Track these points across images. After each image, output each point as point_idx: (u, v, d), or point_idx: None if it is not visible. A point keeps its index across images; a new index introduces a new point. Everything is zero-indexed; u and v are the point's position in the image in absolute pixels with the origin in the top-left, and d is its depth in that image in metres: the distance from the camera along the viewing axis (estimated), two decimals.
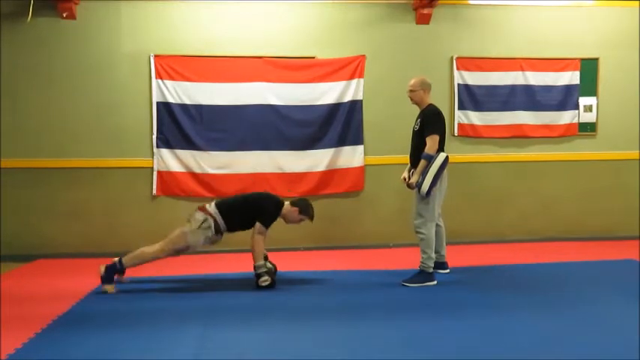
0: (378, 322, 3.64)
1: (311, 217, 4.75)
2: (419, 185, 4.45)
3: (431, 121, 4.53)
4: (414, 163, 4.62)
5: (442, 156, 4.47)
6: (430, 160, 4.44)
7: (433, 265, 4.55)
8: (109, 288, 4.35)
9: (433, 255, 4.54)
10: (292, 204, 4.72)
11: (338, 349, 3.19)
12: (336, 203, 6.13)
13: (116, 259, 4.44)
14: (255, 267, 4.48)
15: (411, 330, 3.46)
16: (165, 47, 5.84)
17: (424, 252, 4.52)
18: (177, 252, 4.54)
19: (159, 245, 4.47)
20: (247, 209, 4.58)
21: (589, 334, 3.36)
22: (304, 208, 4.70)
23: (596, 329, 3.44)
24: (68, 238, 5.80)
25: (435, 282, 4.52)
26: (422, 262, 4.53)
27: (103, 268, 4.37)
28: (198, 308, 3.97)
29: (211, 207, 4.54)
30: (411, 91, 4.67)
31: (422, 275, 4.52)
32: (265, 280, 4.43)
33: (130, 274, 4.98)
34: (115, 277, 4.46)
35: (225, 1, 5.92)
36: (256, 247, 4.46)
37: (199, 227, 4.44)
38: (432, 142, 4.47)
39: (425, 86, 4.66)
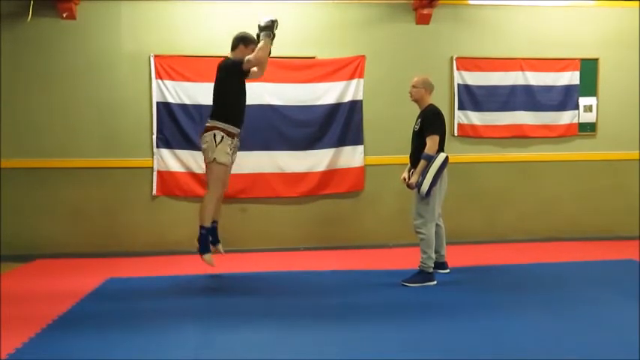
0: (378, 322, 3.64)
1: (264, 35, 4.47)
2: (419, 185, 4.45)
3: (431, 122, 4.54)
4: (414, 164, 4.62)
5: (442, 156, 4.48)
6: (430, 160, 4.44)
7: (433, 265, 4.55)
8: (208, 258, 4.42)
9: (433, 255, 4.54)
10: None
11: (338, 349, 3.19)
12: (336, 203, 6.13)
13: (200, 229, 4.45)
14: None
15: (410, 330, 3.46)
16: (166, 47, 5.84)
17: (424, 252, 4.52)
18: (223, 180, 4.53)
19: (209, 189, 4.48)
20: (217, 84, 4.51)
21: (589, 334, 3.36)
22: (245, 39, 4.54)
23: (596, 329, 3.44)
24: (68, 238, 5.80)
25: (435, 282, 4.52)
26: (422, 262, 4.53)
27: (196, 244, 4.44)
28: (198, 308, 3.97)
29: (208, 122, 4.50)
30: (413, 86, 4.67)
31: (422, 275, 4.52)
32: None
33: (129, 273, 5.00)
34: (212, 249, 4.55)
35: (225, 1, 5.93)
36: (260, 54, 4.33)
37: (216, 145, 4.40)
38: (431, 143, 4.48)
39: (427, 86, 4.67)
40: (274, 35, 4.47)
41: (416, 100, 4.71)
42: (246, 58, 4.37)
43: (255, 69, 4.62)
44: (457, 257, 5.26)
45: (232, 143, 4.50)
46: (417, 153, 4.58)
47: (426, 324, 3.57)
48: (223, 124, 4.46)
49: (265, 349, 3.21)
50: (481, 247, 6.01)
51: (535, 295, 4.19)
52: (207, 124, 4.52)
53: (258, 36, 4.49)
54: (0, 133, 5.70)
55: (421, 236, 4.53)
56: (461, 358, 3.04)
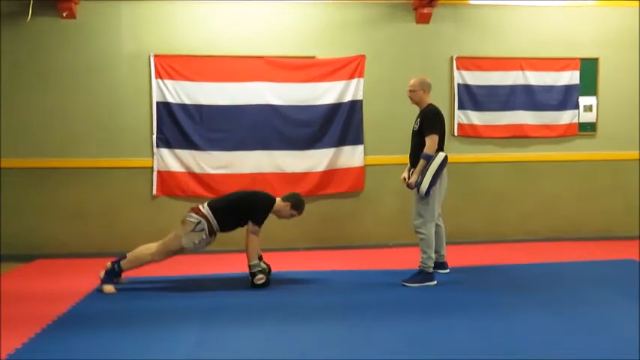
0: (377, 322, 3.64)
1: (301, 212, 4.77)
2: (418, 185, 4.45)
3: (430, 121, 4.54)
4: (414, 163, 4.61)
5: (441, 155, 4.47)
6: (429, 159, 4.44)
7: (433, 265, 4.55)
8: (109, 288, 4.38)
9: (433, 255, 4.54)
10: (284, 199, 4.73)
11: (338, 349, 3.19)
12: (336, 203, 6.13)
13: (112, 262, 4.46)
14: (249, 266, 4.51)
15: (410, 330, 3.46)
16: (165, 47, 5.84)
17: (424, 252, 4.52)
18: (172, 253, 4.56)
19: (154, 247, 4.49)
20: (239, 208, 4.59)
21: (589, 334, 3.36)
22: (296, 203, 4.72)
23: (596, 329, 3.44)
24: (68, 238, 5.80)
25: (435, 282, 4.52)
26: (422, 262, 4.53)
27: (102, 274, 4.45)
28: (197, 308, 3.97)
29: (204, 208, 4.54)
30: (410, 91, 4.67)
31: (422, 275, 4.52)
32: (260, 278, 4.45)
33: (129, 274, 4.98)
34: (115, 279, 4.49)
35: (225, 1, 5.92)
36: (250, 246, 4.49)
37: (193, 230, 4.44)
38: (431, 142, 4.47)
39: (424, 86, 4.66)
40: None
41: (416, 103, 4.71)
42: (253, 228, 4.51)
43: None
44: (457, 257, 5.26)
45: (205, 239, 4.50)
46: (417, 152, 4.58)
47: (426, 324, 3.57)
48: (214, 220, 4.48)
49: (265, 348, 3.21)
50: (481, 247, 6.01)
51: (535, 295, 4.19)
52: (202, 210, 4.51)
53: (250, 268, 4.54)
54: (0, 133, 5.70)
55: (421, 236, 4.53)
56: (461, 358, 3.04)
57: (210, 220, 4.48)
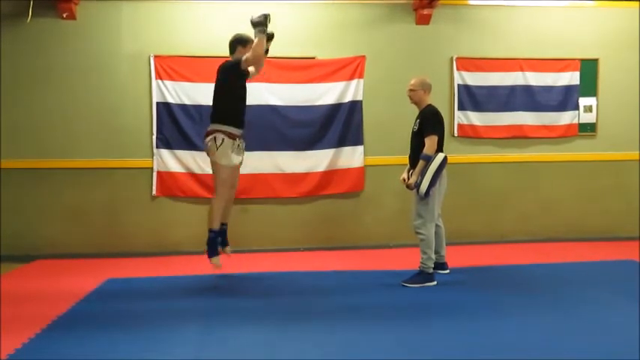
0: (378, 322, 3.63)
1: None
2: (417, 185, 4.45)
3: (429, 122, 4.54)
4: (414, 164, 4.62)
5: (440, 156, 4.48)
6: (428, 160, 4.44)
7: (433, 266, 4.55)
8: (216, 261, 4.45)
9: (433, 255, 4.54)
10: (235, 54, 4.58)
11: (338, 349, 3.19)
12: (336, 203, 6.13)
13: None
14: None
15: (411, 330, 3.46)
16: (166, 48, 5.84)
17: (424, 252, 4.52)
18: (229, 182, 4.53)
19: (217, 192, 4.47)
20: (217, 87, 4.51)
21: (589, 335, 3.36)
22: (240, 38, 4.56)
23: (596, 329, 3.44)
24: (68, 238, 5.80)
25: (435, 282, 4.51)
26: (422, 263, 4.53)
27: (205, 248, 4.47)
28: (197, 308, 3.97)
29: (210, 127, 4.51)
30: (411, 90, 4.67)
31: (422, 276, 4.51)
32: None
33: (129, 274, 4.99)
34: (220, 251, 4.60)
35: (225, 1, 5.93)
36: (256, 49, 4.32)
37: (218, 148, 4.41)
38: (430, 143, 4.48)
39: (425, 86, 4.67)
40: (267, 31, 4.44)
41: (415, 103, 4.71)
42: (244, 57, 4.36)
43: (251, 68, 4.61)
44: (457, 258, 5.26)
45: (235, 144, 4.49)
46: (416, 153, 4.59)
47: (426, 324, 3.57)
48: (223, 126, 4.45)
49: (265, 349, 3.21)
50: (481, 247, 6.01)
51: (535, 296, 4.19)
52: (208, 129, 4.53)
53: (251, 23, 4.45)
54: (0, 133, 5.71)
55: (421, 237, 4.53)
56: (461, 358, 3.04)
57: (219, 128, 4.44)
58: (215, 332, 3.48)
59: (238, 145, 4.54)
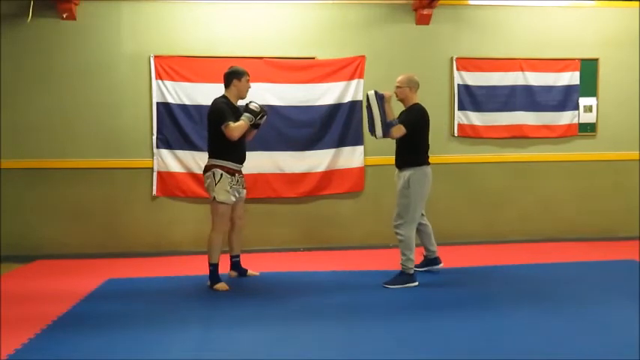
0: (377, 322, 3.64)
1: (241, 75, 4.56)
2: (372, 131, 4.46)
3: (410, 116, 4.51)
4: (399, 165, 4.61)
5: (370, 94, 4.43)
6: (368, 106, 4.42)
7: (413, 267, 4.52)
8: (221, 286, 4.43)
9: (413, 257, 4.49)
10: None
11: (338, 349, 3.19)
12: (336, 204, 6.13)
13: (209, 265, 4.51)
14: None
15: (411, 330, 3.46)
16: (166, 48, 5.84)
17: (403, 254, 4.48)
18: (226, 216, 4.51)
19: (213, 227, 4.48)
20: (210, 124, 4.48)
21: (589, 334, 3.36)
22: (236, 71, 4.56)
23: (596, 329, 3.44)
24: (68, 238, 5.80)
25: (417, 283, 4.48)
26: (402, 264, 4.50)
27: (209, 283, 4.50)
28: (197, 308, 3.98)
29: (208, 161, 4.51)
30: (397, 87, 4.63)
31: (403, 276, 4.49)
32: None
33: (129, 274, 4.99)
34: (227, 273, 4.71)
35: (225, 1, 5.93)
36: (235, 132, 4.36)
37: (216, 184, 4.41)
38: (396, 130, 4.42)
39: (412, 84, 4.62)
40: (255, 123, 4.51)
41: (401, 100, 4.66)
42: (225, 125, 4.33)
43: None
44: (456, 258, 5.26)
45: (233, 180, 4.48)
46: (401, 154, 4.59)
47: (425, 324, 3.57)
48: (222, 161, 4.45)
49: (265, 349, 3.21)
50: (481, 247, 6.01)
51: (535, 296, 4.18)
52: (207, 163, 4.52)
53: (246, 106, 4.51)
54: (0, 134, 5.71)
55: (400, 237, 4.50)
56: (461, 358, 3.04)
57: (217, 163, 4.43)
58: (215, 332, 3.48)
59: (237, 181, 4.54)
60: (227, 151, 4.46)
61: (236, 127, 4.36)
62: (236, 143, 4.45)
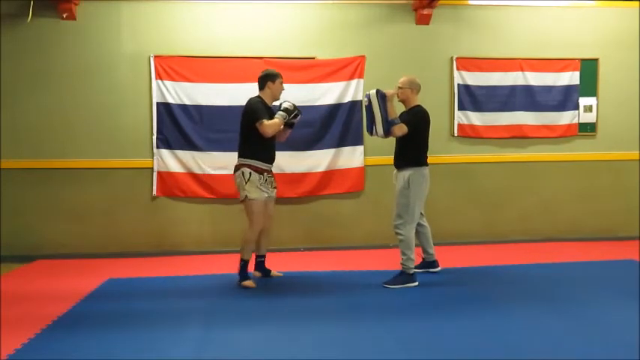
0: (378, 322, 3.63)
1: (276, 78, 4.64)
2: (370, 131, 4.48)
3: (410, 118, 4.51)
4: (398, 166, 4.61)
5: (372, 93, 4.44)
6: (369, 105, 4.43)
7: (413, 267, 4.52)
8: (249, 283, 4.48)
9: (413, 256, 4.50)
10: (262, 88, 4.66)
11: (338, 349, 3.19)
12: (337, 204, 6.13)
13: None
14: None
15: (411, 330, 3.46)
16: (166, 48, 5.84)
17: (404, 253, 4.48)
18: (261, 213, 4.53)
19: (249, 225, 4.52)
20: (243, 124, 4.54)
21: (589, 334, 3.35)
22: (270, 74, 4.62)
23: (596, 329, 3.44)
24: (68, 238, 5.80)
25: (417, 283, 4.48)
26: (402, 264, 4.50)
27: (239, 278, 4.55)
28: (197, 308, 3.97)
29: (238, 161, 4.55)
30: (399, 87, 4.65)
31: (403, 276, 4.49)
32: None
33: (129, 274, 4.99)
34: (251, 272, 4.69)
35: (225, 1, 5.93)
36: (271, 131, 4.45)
37: (246, 183, 4.45)
38: (398, 129, 4.43)
39: (413, 86, 4.63)
40: (289, 121, 4.59)
41: (402, 101, 4.68)
42: (259, 122, 4.40)
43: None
44: (456, 257, 5.26)
45: (262, 179, 4.52)
46: (401, 155, 4.59)
47: (426, 324, 3.57)
48: (250, 160, 4.50)
49: (265, 349, 3.21)
50: (481, 247, 6.01)
51: (535, 296, 4.18)
52: (236, 163, 4.57)
53: (280, 105, 4.59)
54: (0, 133, 5.71)
55: (400, 237, 4.50)
56: (461, 358, 3.04)
57: (245, 162, 4.49)
58: (215, 332, 3.48)
59: (266, 180, 4.57)
60: (256, 151, 4.52)
61: (270, 125, 4.43)
62: (265, 143, 4.52)
